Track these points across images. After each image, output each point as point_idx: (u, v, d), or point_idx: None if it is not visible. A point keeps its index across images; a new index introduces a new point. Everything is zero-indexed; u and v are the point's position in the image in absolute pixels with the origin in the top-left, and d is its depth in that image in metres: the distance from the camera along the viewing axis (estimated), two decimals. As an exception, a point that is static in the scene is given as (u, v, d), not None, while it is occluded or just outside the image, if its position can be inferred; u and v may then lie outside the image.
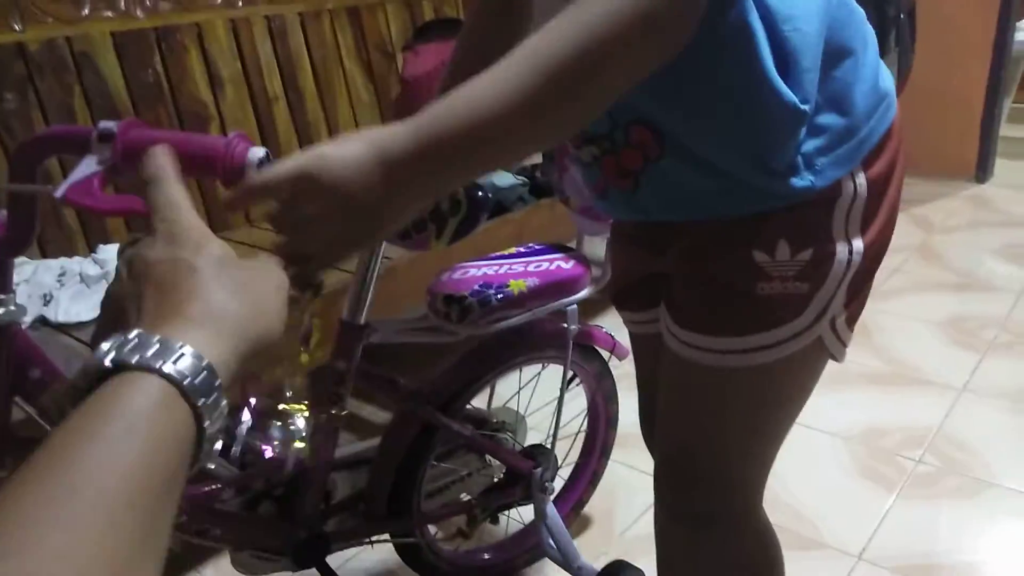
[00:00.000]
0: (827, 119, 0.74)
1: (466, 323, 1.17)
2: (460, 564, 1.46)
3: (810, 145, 0.73)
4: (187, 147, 0.66)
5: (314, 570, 1.23)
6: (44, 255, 1.74)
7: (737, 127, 0.72)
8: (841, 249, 0.76)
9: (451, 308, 1.17)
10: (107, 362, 0.35)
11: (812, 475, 1.76)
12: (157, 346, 0.36)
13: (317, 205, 0.56)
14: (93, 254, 1.74)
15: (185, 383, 0.35)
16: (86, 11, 1.84)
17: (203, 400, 0.36)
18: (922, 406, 2.00)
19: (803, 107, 0.70)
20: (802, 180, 0.73)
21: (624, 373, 2.17)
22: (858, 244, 0.77)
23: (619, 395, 1.54)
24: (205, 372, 0.36)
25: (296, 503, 1.18)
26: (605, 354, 1.47)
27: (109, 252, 1.72)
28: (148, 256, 0.42)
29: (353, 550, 1.52)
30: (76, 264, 1.69)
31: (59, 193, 0.64)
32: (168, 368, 0.35)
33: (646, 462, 1.81)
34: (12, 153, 0.74)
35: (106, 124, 0.66)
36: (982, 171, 3.68)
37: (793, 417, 0.89)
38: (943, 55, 3.64)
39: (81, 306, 1.58)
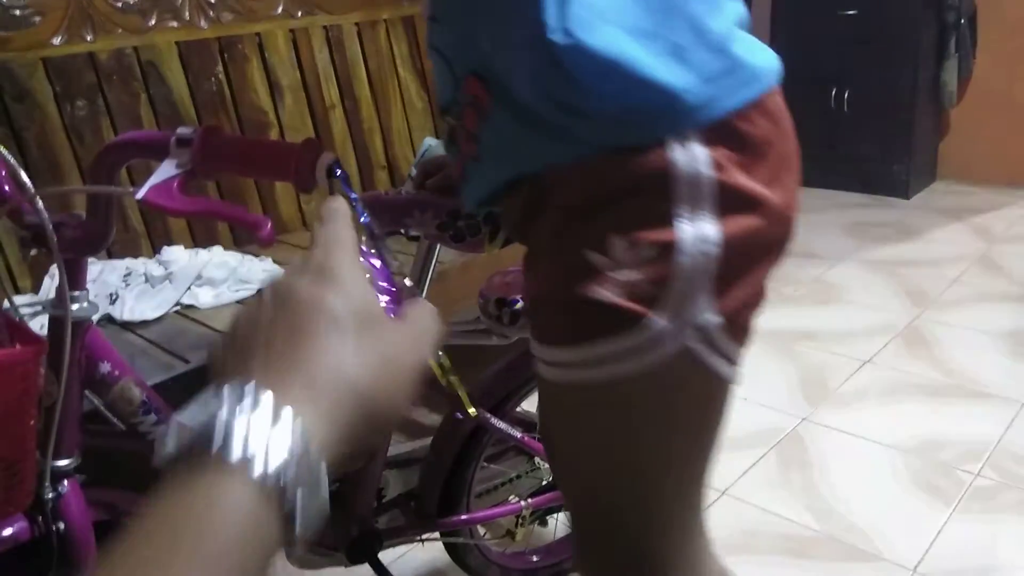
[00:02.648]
0: None
1: (517, 326, 1.18)
2: (508, 565, 1.47)
3: None
4: (263, 152, 0.69)
5: (367, 566, 1.25)
6: (110, 256, 1.81)
7: None
8: (688, 235, 0.65)
9: (503, 311, 1.18)
10: (214, 448, 0.31)
11: (867, 487, 1.73)
12: (261, 412, 0.32)
13: None
14: (157, 255, 1.80)
15: (284, 481, 0.31)
16: (152, 22, 1.91)
17: (300, 492, 0.32)
18: (982, 419, 1.95)
19: None
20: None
21: (674, 380, 2.16)
22: (711, 229, 0.65)
23: (669, 401, 1.53)
24: (308, 456, 0.32)
25: (350, 499, 1.20)
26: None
27: (172, 253, 1.77)
28: (293, 285, 0.38)
29: (404, 548, 1.54)
30: (141, 265, 1.75)
31: (140, 195, 0.67)
32: (267, 464, 0.31)
33: (696, 469, 1.80)
34: (94, 157, 0.78)
35: (184, 130, 0.69)
36: (1047, 179, 3.58)
37: (694, 456, 0.75)
38: (1006, 60, 3.55)
39: (145, 305, 1.63)
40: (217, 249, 1.85)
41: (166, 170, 0.71)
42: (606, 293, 0.66)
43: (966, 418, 1.96)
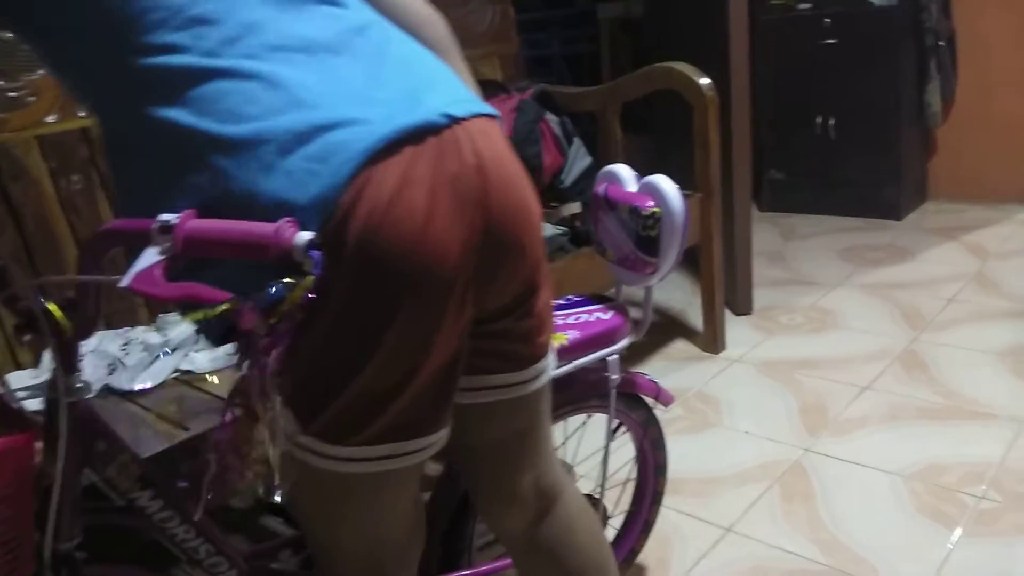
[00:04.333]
0: None
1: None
2: (515, 617, 1.47)
3: None
4: (242, 235, 0.72)
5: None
6: (109, 325, 1.83)
7: None
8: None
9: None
10: None
11: (870, 515, 1.73)
12: None
13: None
14: (155, 323, 1.82)
15: None
16: (144, 94, 1.96)
17: None
18: (983, 440, 1.95)
19: None
20: None
21: (673, 417, 2.17)
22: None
23: (667, 441, 1.54)
24: None
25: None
26: (651, 401, 1.48)
27: (170, 320, 1.80)
28: None
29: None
30: (139, 333, 1.78)
31: (124, 283, 0.69)
32: None
33: (701, 508, 1.82)
34: (80, 248, 0.81)
35: (165, 217, 0.71)
36: (1037, 194, 3.61)
37: (340, 532, 0.92)
38: (986, 80, 3.60)
39: (144, 373, 1.65)
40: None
41: (149, 256, 0.73)
42: None
43: (967, 440, 1.96)
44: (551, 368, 1.05)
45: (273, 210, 0.73)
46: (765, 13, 3.73)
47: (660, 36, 3.54)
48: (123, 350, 1.73)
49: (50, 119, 1.83)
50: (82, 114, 1.87)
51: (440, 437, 0.90)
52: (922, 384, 2.24)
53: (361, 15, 0.86)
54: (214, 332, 0.88)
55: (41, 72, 1.82)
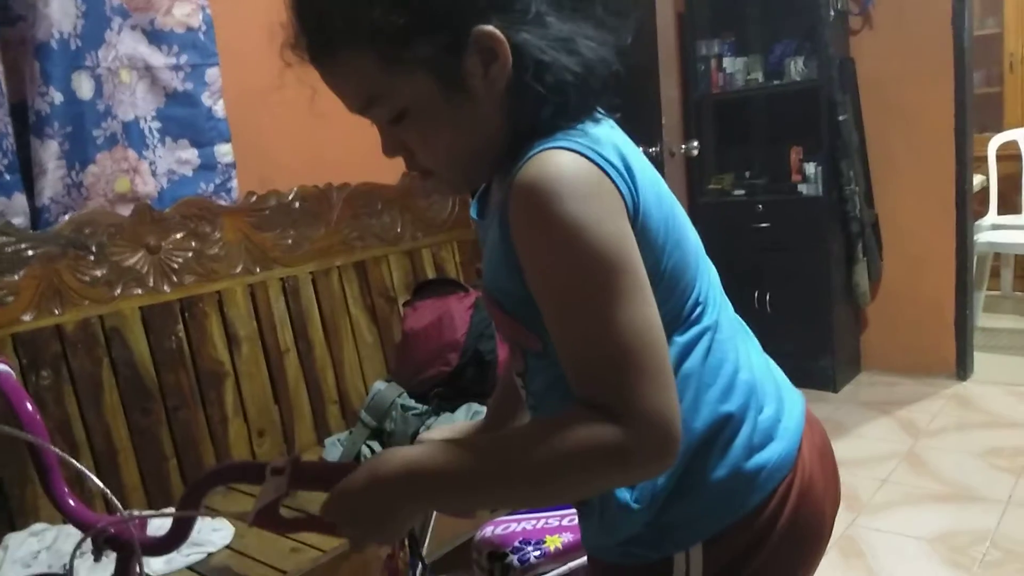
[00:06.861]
0: None
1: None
2: None
3: None
4: (340, 475, 0.84)
5: None
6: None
7: None
8: None
9: (495, 565, 1.29)
10: None
11: None
12: None
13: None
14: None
15: None
16: (118, 291, 2.05)
17: None
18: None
19: None
20: None
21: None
22: None
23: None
24: None
25: None
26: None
27: (128, 518, 1.82)
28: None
29: None
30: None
31: (250, 521, 0.84)
32: None
33: None
34: (191, 482, 0.93)
35: (277, 462, 0.85)
36: (962, 369, 3.83)
37: None
38: (909, 260, 3.90)
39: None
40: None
41: (266, 496, 0.86)
42: None
43: (904, 635, 2.03)
44: None
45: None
46: (703, 196, 4.03)
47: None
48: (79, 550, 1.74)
49: (26, 317, 1.90)
50: (57, 311, 1.95)
51: None
52: (859, 573, 2.32)
53: None
54: None
55: (21, 273, 1.90)
